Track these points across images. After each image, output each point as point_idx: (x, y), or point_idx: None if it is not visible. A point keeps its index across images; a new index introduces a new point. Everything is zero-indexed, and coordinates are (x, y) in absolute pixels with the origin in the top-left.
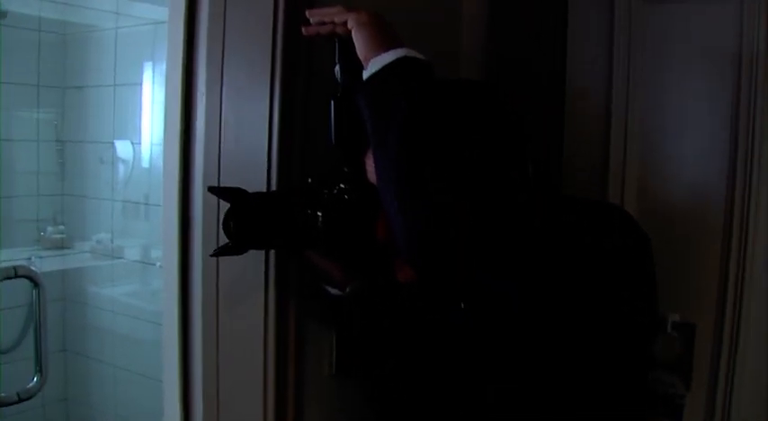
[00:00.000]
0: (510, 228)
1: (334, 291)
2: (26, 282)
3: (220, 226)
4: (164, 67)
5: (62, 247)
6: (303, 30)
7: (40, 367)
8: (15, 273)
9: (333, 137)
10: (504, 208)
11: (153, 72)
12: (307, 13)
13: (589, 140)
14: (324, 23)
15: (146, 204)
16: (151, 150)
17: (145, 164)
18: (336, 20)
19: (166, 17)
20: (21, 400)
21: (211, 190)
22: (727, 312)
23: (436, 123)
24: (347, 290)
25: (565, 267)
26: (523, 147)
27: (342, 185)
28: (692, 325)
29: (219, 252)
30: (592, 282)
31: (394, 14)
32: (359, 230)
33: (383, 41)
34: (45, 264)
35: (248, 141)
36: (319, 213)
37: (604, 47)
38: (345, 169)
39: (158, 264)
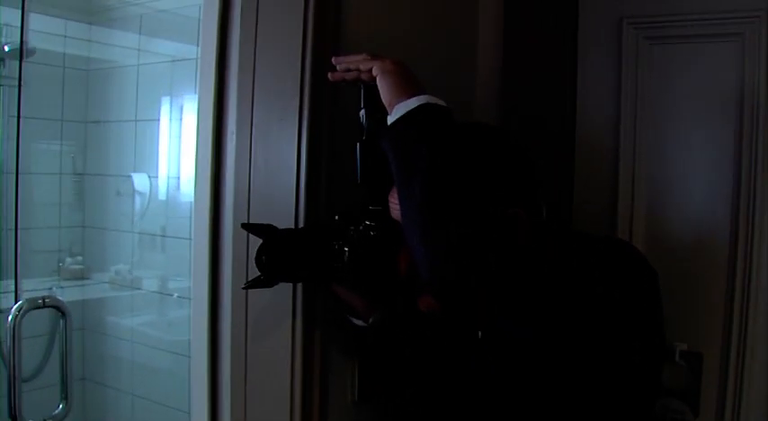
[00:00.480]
0: (526, 275)
1: (357, 321)
2: (46, 312)
3: (250, 260)
4: (181, 102)
5: (81, 278)
6: (329, 75)
7: (65, 395)
8: (44, 303)
9: (359, 177)
10: (518, 251)
11: (170, 107)
12: (333, 59)
13: (598, 183)
14: (349, 70)
15: (162, 236)
16: (168, 183)
17: (162, 196)
18: (362, 67)
19: (184, 54)
20: None
21: (244, 226)
22: (733, 342)
23: (457, 167)
24: (370, 320)
25: (577, 308)
26: (535, 187)
27: (367, 222)
28: (699, 354)
29: (251, 285)
30: (603, 320)
31: (414, 65)
32: (383, 264)
33: (407, 88)
34: (65, 294)
35: (277, 180)
36: (346, 248)
37: (612, 90)
38: (370, 207)
39: (175, 295)
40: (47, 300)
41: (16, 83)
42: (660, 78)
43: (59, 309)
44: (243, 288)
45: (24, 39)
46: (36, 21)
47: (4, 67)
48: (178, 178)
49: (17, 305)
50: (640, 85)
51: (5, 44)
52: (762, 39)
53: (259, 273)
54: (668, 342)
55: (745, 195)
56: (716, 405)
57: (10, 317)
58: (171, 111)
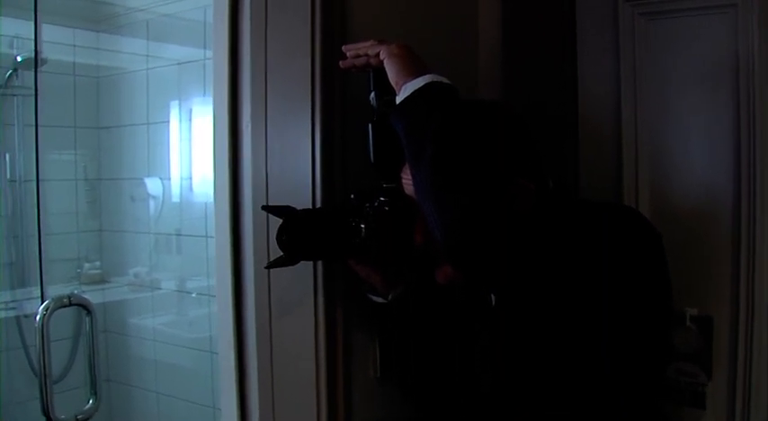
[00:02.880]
0: (533, 239)
1: (377, 298)
2: (70, 315)
3: (270, 242)
4: (190, 105)
5: (101, 282)
6: (340, 63)
7: (94, 390)
8: (69, 302)
9: (372, 156)
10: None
11: (179, 110)
12: (343, 47)
13: (602, 155)
14: (359, 56)
15: (178, 235)
16: (181, 185)
17: (175, 199)
18: (370, 52)
19: (191, 57)
20: None
21: (264, 208)
22: (741, 304)
23: (465, 135)
24: (389, 297)
25: (582, 270)
26: (539, 159)
27: (382, 199)
28: (709, 317)
29: (273, 264)
30: (610, 286)
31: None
32: (399, 238)
33: (413, 69)
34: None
35: (293, 164)
36: (362, 225)
37: (612, 65)
38: (384, 184)
39: (194, 294)
40: (72, 299)
41: (30, 92)
42: (657, 52)
43: (85, 307)
44: (266, 267)
45: (38, 49)
46: (45, 31)
47: (17, 77)
48: (190, 179)
49: (44, 304)
50: (638, 60)
51: (17, 55)
52: (754, 8)
53: (281, 254)
54: (678, 307)
55: (745, 160)
56: (728, 366)
57: (38, 317)
58: (180, 114)
